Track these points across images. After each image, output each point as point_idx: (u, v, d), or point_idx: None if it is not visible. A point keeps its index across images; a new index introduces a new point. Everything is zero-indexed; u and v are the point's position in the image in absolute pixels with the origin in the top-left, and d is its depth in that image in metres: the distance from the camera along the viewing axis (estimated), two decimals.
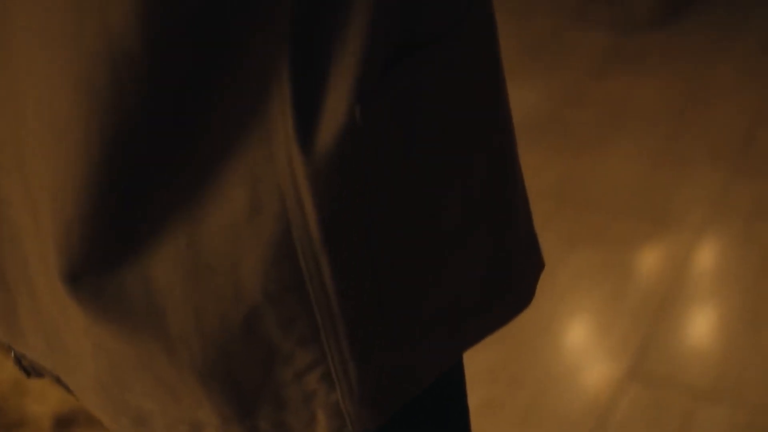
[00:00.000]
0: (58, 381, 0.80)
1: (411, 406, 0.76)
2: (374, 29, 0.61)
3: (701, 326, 2.20)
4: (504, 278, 0.78)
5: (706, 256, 2.37)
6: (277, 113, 0.60)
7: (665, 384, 2.06)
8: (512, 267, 0.79)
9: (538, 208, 2.43)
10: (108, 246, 0.63)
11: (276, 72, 0.59)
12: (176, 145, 0.60)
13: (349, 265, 0.65)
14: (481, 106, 0.72)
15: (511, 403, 2.05)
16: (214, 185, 0.62)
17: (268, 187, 0.62)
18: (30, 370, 0.82)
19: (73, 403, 1.58)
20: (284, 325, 0.66)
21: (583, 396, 2.06)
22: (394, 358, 0.71)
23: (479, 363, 2.07)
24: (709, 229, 2.44)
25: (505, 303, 0.80)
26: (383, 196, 0.66)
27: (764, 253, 2.35)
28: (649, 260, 2.37)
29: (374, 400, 0.70)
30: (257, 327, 0.65)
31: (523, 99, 2.87)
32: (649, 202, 2.54)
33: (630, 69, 3.07)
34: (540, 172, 2.57)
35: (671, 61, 3.08)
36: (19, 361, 0.82)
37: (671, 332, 2.17)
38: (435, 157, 0.68)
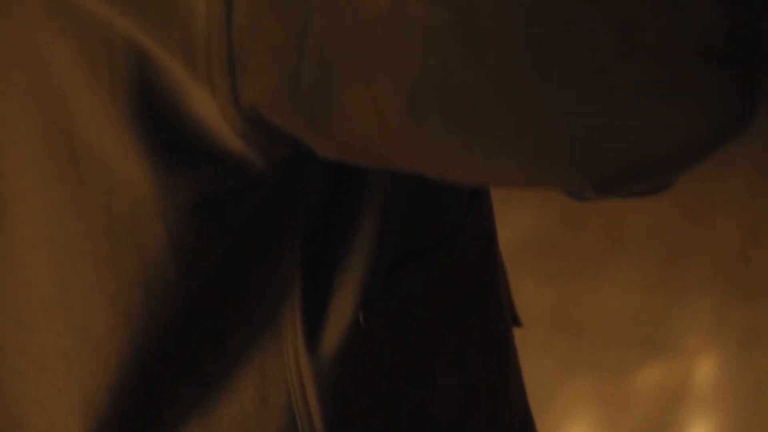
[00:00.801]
0: None
1: None
2: (379, 245, 0.65)
3: None
4: None
5: (701, 383, 2.38)
6: (287, 317, 0.64)
7: None
8: None
9: (533, 335, 2.43)
10: None
11: (289, 284, 0.64)
12: (199, 348, 0.64)
13: None
14: (477, 301, 0.76)
15: None
16: (227, 378, 0.66)
17: (276, 381, 0.65)
18: None
19: None
20: None
21: None
22: None
23: None
24: (704, 355, 2.45)
25: None
26: (383, 390, 0.70)
27: (759, 379, 2.36)
28: (644, 387, 2.37)
29: None
30: None
31: (519, 221, 2.89)
32: (644, 329, 2.55)
33: None
34: (535, 298, 2.58)
35: None
36: None
37: None
38: (433, 351, 0.72)
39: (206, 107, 0.51)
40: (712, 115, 0.50)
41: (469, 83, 0.48)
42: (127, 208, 0.55)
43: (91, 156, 0.54)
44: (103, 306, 0.59)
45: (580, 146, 0.49)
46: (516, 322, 0.92)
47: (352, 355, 0.66)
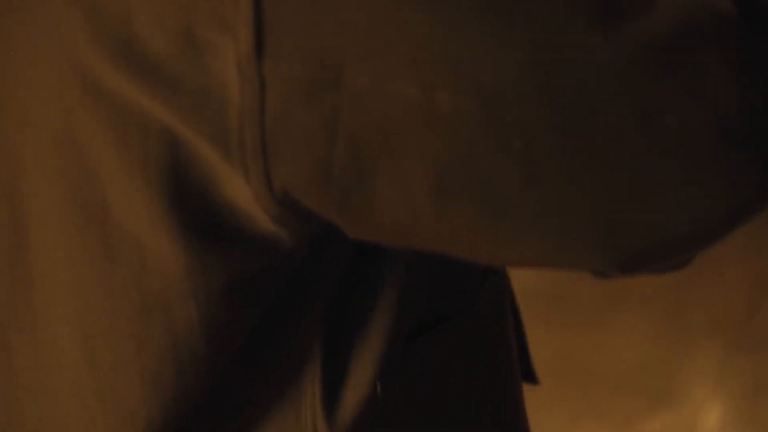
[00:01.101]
0: None
1: None
2: (398, 317, 0.67)
3: None
4: None
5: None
6: (307, 384, 0.66)
7: None
8: None
9: (540, 385, 2.43)
10: None
11: (310, 352, 0.65)
12: (224, 414, 0.66)
13: None
14: (490, 366, 0.79)
15: None
16: None
17: None
18: None
19: None
20: None
21: None
22: None
23: None
24: (711, 404, 2.45)
25: None
26: None
27: (765, 429, 2.35)
28: None
29: None
30: None
31: (524, 271, 2.89)
32: (651, 378, 2.54)
33: None
34: (541, 348, 2.57)
35: None
36: None
37: None
38: (445, 416, 0.75)
39: (240, 191, 0.52)
40: (732, 195, 0.51)
41: (495, 169, 0.49)
42: (158, 287, 0.56)
43: (123, 236, 0.55)
44: (134, 378, 0.60)
45: (604, 228, 0.51)
46: (532, 378, 0.94)
47: (368, 422, 0.68)
